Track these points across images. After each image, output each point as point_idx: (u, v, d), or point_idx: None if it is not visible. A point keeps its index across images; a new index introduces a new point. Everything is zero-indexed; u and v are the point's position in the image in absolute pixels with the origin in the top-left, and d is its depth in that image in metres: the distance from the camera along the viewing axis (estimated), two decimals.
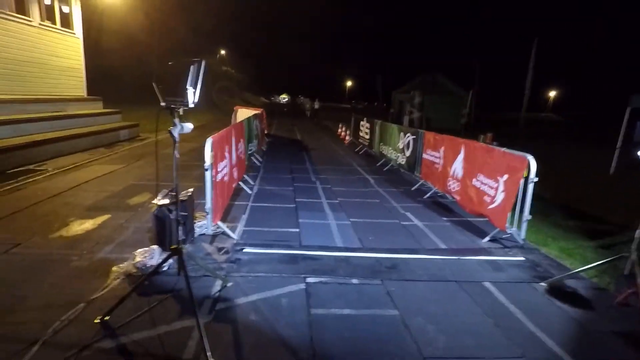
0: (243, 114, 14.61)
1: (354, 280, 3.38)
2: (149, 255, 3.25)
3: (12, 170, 6.68)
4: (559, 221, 5.65)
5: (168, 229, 3.51)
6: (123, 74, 27.50)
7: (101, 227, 4.33)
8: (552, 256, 4.27)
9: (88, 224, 4.37)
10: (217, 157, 4.05)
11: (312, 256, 3.83)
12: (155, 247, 3.37)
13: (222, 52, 54.51)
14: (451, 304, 3.11)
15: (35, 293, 2.88)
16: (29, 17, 9.59)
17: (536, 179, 4.19)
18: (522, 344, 2.62)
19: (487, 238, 4.59)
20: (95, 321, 2.53)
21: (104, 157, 8.69)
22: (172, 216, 3.37)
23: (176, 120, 2.35)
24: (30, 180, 6.19)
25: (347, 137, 15.04)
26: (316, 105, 29.95)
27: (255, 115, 9.73)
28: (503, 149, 4.65)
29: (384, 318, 2.84)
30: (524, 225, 4.37)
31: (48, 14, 10.91)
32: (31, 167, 7.08)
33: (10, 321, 2.53)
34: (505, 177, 4.47)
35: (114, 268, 3.27)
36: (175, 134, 2.37)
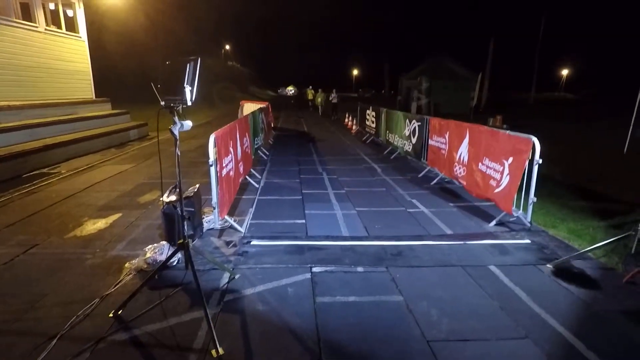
0: (249, 108, 14.68)
1: (359, 269, 3.43)
2: (159, 251, 3.35)
3: (27, 174, 6.89)
4: (569, 202, 5.59)
5: (176, 225, 3.60)
6: (127, 74, 27.73)
7: (113, 225, 4.46)
8: (559, 238, 4.24)
9: (101, 223, 4.51)
10: (222, 153, 4.11)
11: (318, 246, 3.89)
12: (164, 243, 3.47)
13: (227, 47, 54.48)
14: (456, 288, 3.14)
15: (53, 290, 3.01)
16: (35, 23, 9.75)
17: (540, 161, 4.15)
18: (526, 325, 2.64)
19: (494, 222, 4.58)
20: (109, 315, 2.64)
21: (115, 157, 8.87)
22: (179, 212, 3.46)
23: (176, 119, 2.41)
24: (45, 183, 6.38)
25: (354, 127, 14.99)
26: (334, 99, 23.05)
27: (260, 109, 9.78)
28: (507, 132, 4.60)
29: (388, 304, 2.88)
30: (530, 208, 4.35)
31: (53, 18, 11.10)
32: (45, 170, 7.29)
33: (30, 317, 2.67)
34: (511, 160, 4.44)
35: (126, 264, 3.39)
36: (176, 132, 2.43)
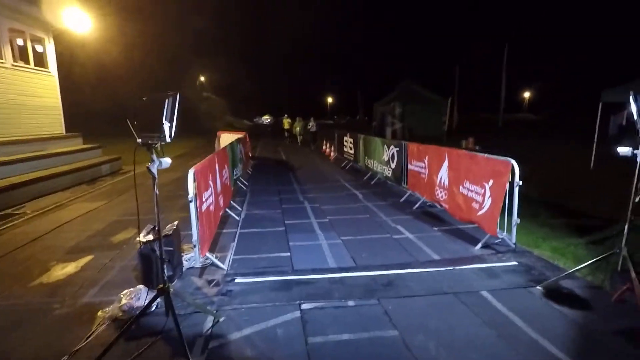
0: (226, 138, 14.55)
1: (350, 302, 3.30)
2: (135, 296, 3.12)
3: None
4: (547, 220, 5.69)
5: (154, 267, 3.38)
6: (98, 107, 27.16)
7: (84, 269, 4.16)
8: (545, 257, 4.27)
9: (70, 267, 4.20)
10: (201, 187, 3.97)
11: (305, 280, 3.74)
12: (141, 287, 3.24)
13: (202, 78, 54.70)
14: (451, 317, 3.05)
15: (15, 349, 2.72)
16: (2, 59, 9.45)
17: (520, 183, 4.23)
18: (526, 354, 2.57)
19: (479, 245, 4.58)
20: None
21: (86, 194, 8.48)
22: (157, 253, 3.26)
23: (154, 157, 2.29)
24: (8, 225, 5.96)
25: (332, 154, 15.09)
26: (312, 127, 21.40)
27: (238, 139, 9.69)
28: (486, 155, 4.70)
29: (383, 340, 2.75)
30: (514, 229, 4.38)
31: (21, 54, 10.82)
32: (10, 211, 6.84)
33: None
34: (491, 182, 4.50)
35: (99, 313, 3.13)
36: (154, 170, 2.30)
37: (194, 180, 3.68)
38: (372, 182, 9.07)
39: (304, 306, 3.23)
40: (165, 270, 2.50)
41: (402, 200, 7.11)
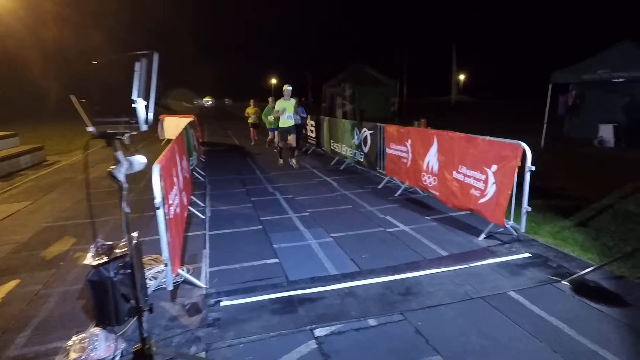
0: (171, 123, 13.15)
1: (371, 321, 2.73)
2: (90, 345, 2.26)
3: None
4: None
5: (112, 299, 2.52)
6: (8, 86, 23.28)
7: (7, 302, 3.12)
8: (551, 245, 4.04)
9: None
10: (167, 187, 3.09)
11: (308, 296, 3.09)
12: (97, 330, 2.37)
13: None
14: (491, 330, 2.61)
15: None
16: None
17: (533, 168, 3.90)
18: None
19: (483, 235, 4.24)
20: None
21: (2, 193, 6.92)
22: (122, 290, 2.40)
23: (119, 155, 1.46)
24: None
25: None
26: (295, 117, 9.21)
27: (190, 123, 8.55)
28: (487, 138, 4.32)
29: None
30: (524, 218, 4.08)
31: None
32: None
33: None
34: (494, 167, 4.14)
35: None
36: (121, 175, 1.48)
37: (161, 179, 2.80)
38: (341, 168, 8.52)
39: (318, 332, 2.60)
40: (144, 323, 1.70)
41: (380, 186, 6.65)
